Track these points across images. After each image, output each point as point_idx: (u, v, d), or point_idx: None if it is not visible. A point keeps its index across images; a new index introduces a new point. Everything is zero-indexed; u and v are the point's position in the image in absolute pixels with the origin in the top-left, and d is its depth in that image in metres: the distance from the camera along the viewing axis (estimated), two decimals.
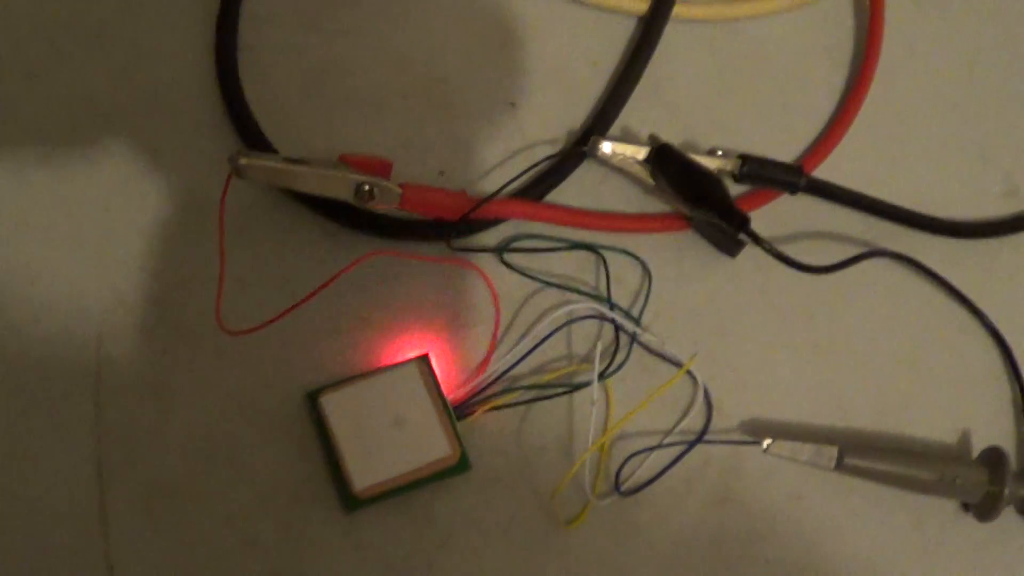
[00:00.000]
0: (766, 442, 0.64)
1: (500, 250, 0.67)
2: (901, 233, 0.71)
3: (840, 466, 0.64)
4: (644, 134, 0.70)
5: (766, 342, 0.68)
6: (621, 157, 0.67)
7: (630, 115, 0.70)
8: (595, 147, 0.67)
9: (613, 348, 0.66)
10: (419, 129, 0.69)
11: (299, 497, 0.62)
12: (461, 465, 0.62)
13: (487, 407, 0.64)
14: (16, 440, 0.62)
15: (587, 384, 0.64)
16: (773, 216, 0.69)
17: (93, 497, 0.62)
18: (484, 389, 0.64)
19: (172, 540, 0.62)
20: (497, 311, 0.66)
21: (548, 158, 0.68)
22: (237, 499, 0.62)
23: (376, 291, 0.65)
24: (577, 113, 0.70)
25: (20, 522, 0.61)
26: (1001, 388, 0.69)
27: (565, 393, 0.65)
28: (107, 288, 0.64)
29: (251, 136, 0.67)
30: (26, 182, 0.66)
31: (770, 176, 0.68)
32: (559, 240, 0.67)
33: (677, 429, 0.66)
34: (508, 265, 0.67)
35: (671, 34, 0.71)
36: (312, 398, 0.62)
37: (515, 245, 0.67)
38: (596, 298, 0.67)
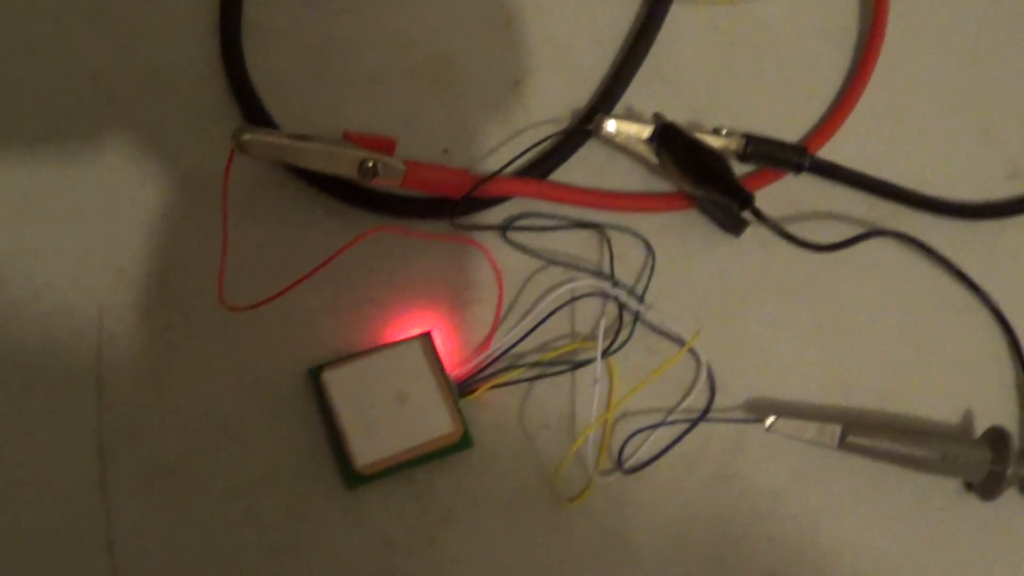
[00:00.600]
0: (769, 420, 0.64)
1: (504, 228, 0.67)
2: (904, 214, 0.71)
3: (843, 445, 0.64)
4: (648, 113, 0.70)
5: (769, 321, 0.68)
6: (625, 136, 0.67)
7: (634, 94, 0.70)
8: (599, 126, 0.67)
9: (616, 326, 0.66)
10: (423, 107, 0.69)
11: (301, 473, 0.63)
12: (463, 442, 0.62)
13: (490, 384, 0.64)
14: (18, 417, 0.62)
15: (590, 362, 0.64)
16: (777, 196, 0.69)
17: (94, 473, 0.62)
18: (487, 367, 0.64)
19: (173, 517, 0.62)
20: (500, 289, 0.66)
21: (552, 136, 0.68)
22: (239, 476, 0.62)
23: (379, 268, 0.66)
24: (581, 92, 0.71)
25: (22, 499, 0.61)
26: (1004, 368, 0.70)
27: (568, 371, 0.65)
28: (109, 265, 0.64)
29: (255, 114, 0.67)
30: (29, 160, 0.66)
31: (774, 156, 0.69)
32: (563, 219, 0.68)
33: (680, 407, 0.66)
34: (512, 243, 0.67)
35: (676, 14, 0.71)
36: (314, 375, 0.62)
37: (519, 223, 0.67)
38: (599, 276, 0.67)
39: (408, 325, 0.65)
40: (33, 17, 0.68)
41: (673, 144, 0.66)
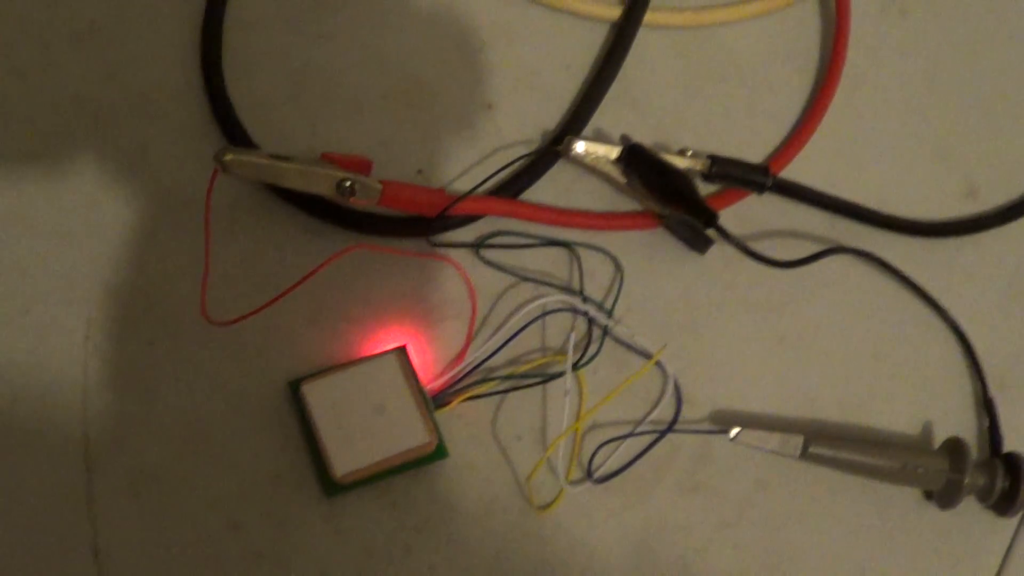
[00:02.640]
0: (734, 431, 0.66)
1: (477, 246, 0.69)
2: (865, 232, 0.72)
3: (805, 455, 0.65)
4: (617, 135, 0.72)
5: (734, 335, 0.70)
6: (594, 157, 0.69)
7: (603, 117, 0.72)
8: (569, 147, 0.69)
9: (586, 340, 0.67)
10: (398, 129, 0.70)
11: (281, 483, 0.64)
12: (438, 452, 0.64)
13: (464, 397, 0.65)
14: (5, 427, 0.63)
15: (560, 375, 0.66)
16: (741, 215, 0.71)
17: (81, 482, 0.63)
18: (461, 379, 0.66)
19: (157, 524, 0.63)
20: (474, 304, 0.67)
21: (523, 157, 0.70)
22: (221, 485, 0.64)
23: (356, 284, 0.67)
24: (552, 114, 0.72)
25: (8, 506, 0.62)
26: (962, 382, 0.71)
27: (539, 383, 0.66)
28: (95, 280, 0.66)
29: (236, 136, 0.68)
30: (16, 178, 0.67)
31: (738, 176, 0.70)
32: (534, 237, 0.69)
33: (648, 419, 0.67)
34: (485, 260, 0.68)
35: (643, 39, 0.73)
36: (294, 387, 0.64)
37: (491, 241, 0.69)
38: (569, 292, 0.68)
39: (385, 339, 0.66)
40: (20, 40, 0.70)
41: (640, 165, 0.68)
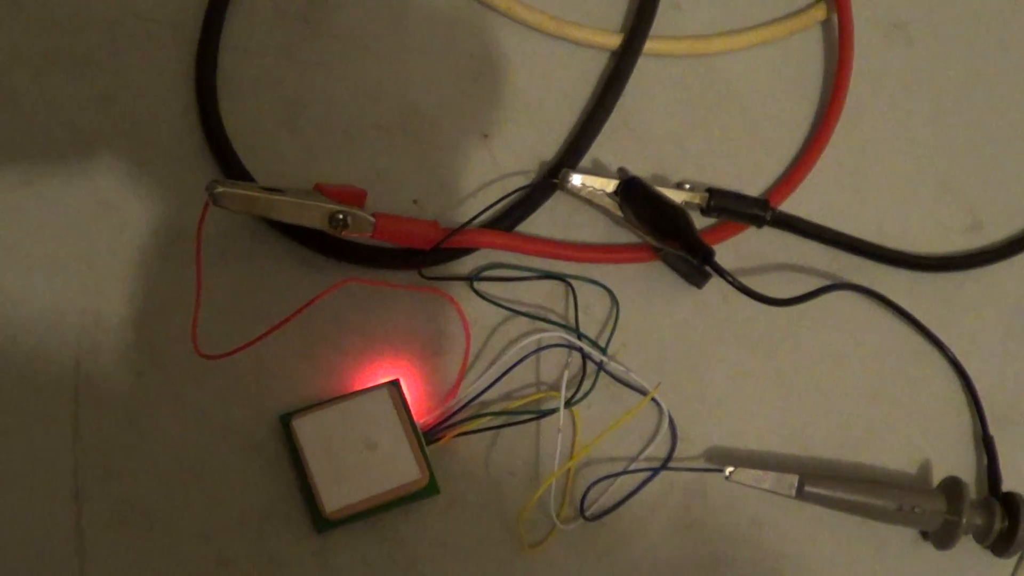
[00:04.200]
0: (728, 470, 0.65)
1: (471, 279, 0.68)
2: (866, 266, 0.72)
3: (801, 494, 0.65)
4: (615, 166, 0.71)
5: (731, 372, 0.69)
6: (590, 189, 0.68)
7: (601, 148, 0.72)
8: (565, 179, 0.68)
9: (580, 376, 0.67)
10: (394, 159, 0.70)
11: (271, 517, 0.64)
12: (430, 488, 0.63)
13: (456, 432, 0.65)
14: None
15: (554, 411, 0.66)
16: (740, 248, 0.71)
17: (70, 514, 0.63)
18: (454, 414, 0.65)
19: (146, 558, 0.63)
20: (468, 338, 0.67)
21: (520, 189, 0.70)
22: (211, 519, 0.63)
23: (349, 318, 0.67)
24: (549, 145, 0.72)
25: None
26: (962, 419, 0.71)
27: (533, 419, 0.66)
28: (86, 310, 0.65)
29: (230, 165, 0.68)
30: (9, 206, 0.67)
31: (737, 209, 0.70)
32: (529, 269, 0.69)
33: (642, 456, 0.67)
34: (479, 294, 0.68)
35: (643, 69, 0.73)
36: (285, 421, 0.63)
37: (486, 274, 0.68)
38: (565, 327, 0.68)
39: (377, 373, 0.66)
40: (13, 67, 0.69)
41: (636, 198, 0.68)
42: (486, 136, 0.71)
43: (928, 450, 0.70)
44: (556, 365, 0.67)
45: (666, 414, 0.67)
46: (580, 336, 0.67)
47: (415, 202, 0.69)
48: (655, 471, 0.66)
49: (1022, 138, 0.76)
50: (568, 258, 0.69)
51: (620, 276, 0.69)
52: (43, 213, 0.67)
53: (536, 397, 0.67)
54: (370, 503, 0.62)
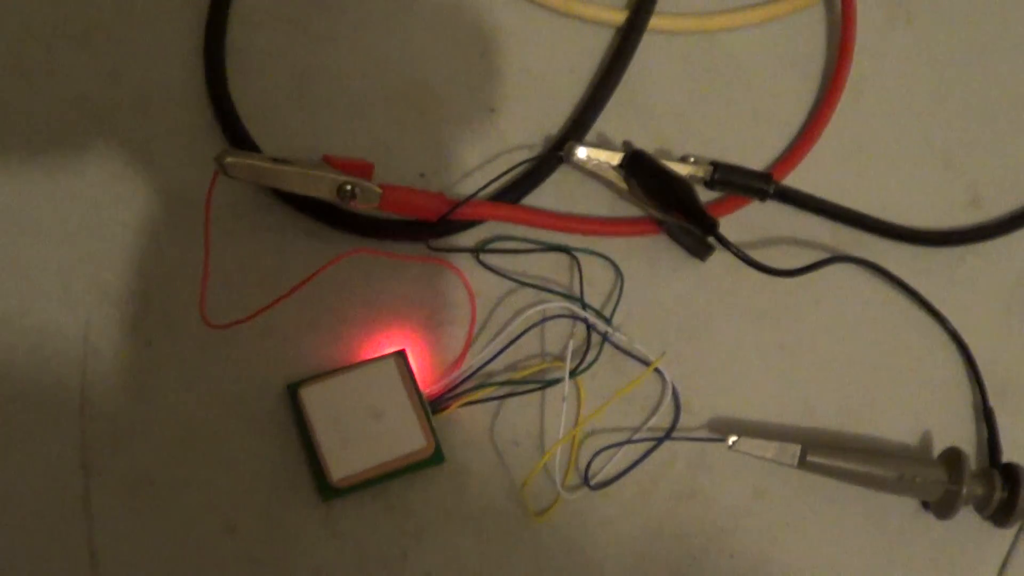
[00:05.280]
0: (731, 439, 0.66)
1: (477, 251, 0.69)
2: (867, 240, 0.72)
3: (803, 463, 0.66)
4: (619, 140, 0.72)
5: (734, 343, 0.70)
6: (596, 162, 0.69)
7: (606, 122, 0.72)
8: (571, 152, 0.69)
9: (585, 347, 0.67)
10: (401, 132, 0.70)
11: (278, 486, 0.64)
12: (436, 457, 0.64)
13: (462, 402, 0.65)
14: (3, 429, 0.63)
15: (559, 381, 0.66)
16: (744, 222, 0.71)
17: (78, 483, 0.63)
18: (459, 384, 0.66)
19: (154, 527, 0.63)
20: (473, 309, 0.68)
21: (525, 162, 0.70)
22: (218, 487, 0.64)
23: (356, 288, 0.67)
24: (555, 119, 0.72)
25: (5, 508, 0.63)
26: (962, 391, 0.71)
27: (537, 389, 0.67)
28: (95, 282, 0.66)
29: (237, 137, 0.68)
30: (18, 179, 0.67)
31: (740, 183, 0.70)
32: (535, 242, 0.69)
33: (646, 426, 0.67)
34: (485, 265, 0.68)
35: (647, 44, 0.73)
36: (292, 390, 0.64)
37: (492, 246, 0.69)
38: (569, 298, 0.68)
39: (383, 343, 0.66)
40: (24, 40, 0.69)
41: (641, 171, 0.68)
42: (492, 110, 0.71)
43: (929, 421, 0.70)
44: (561, 336, 0.68)
45: (669, 384, 0.68)
46: (585, 307, 0.68)
47: (422, 175, 0.70)
48: (659, 441, 0.67)
49: (1023, 114, 0.76)
50: (573, 230, 0.69)
51: (624, 249, 0.70)
52: (52, 185, 0.67)
53: (541, 367, 0.67)
54: (376, 471, 0.62)
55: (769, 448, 0.66)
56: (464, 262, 0.68)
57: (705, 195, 0.71)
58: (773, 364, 0.70)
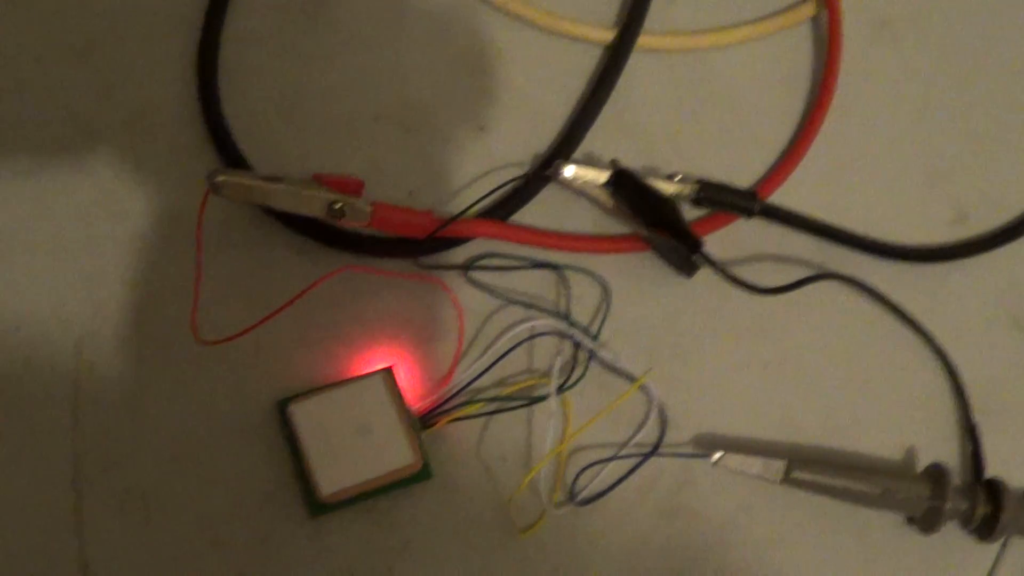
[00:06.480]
0: (716, 455, 0.66)
1: (466, 268, 0.69)
2: (853, 256, 0.73)
3: (787, 479, 0.66)
4: (607, 158, 0.72)
5: (719, 360, 0.70)
6: (583, 181, 0.69)
7: (594, 140, 0.72)
8: (558, 171, 0.69)
9: (571, 363, 0.68)
10: (391, 150, 0.71)
11: (267, 501, 0.65)
12: (423, 473, 0.64)
13: (449, 418, 0.66)
14: None
15: (546, 397, 0.66)
16: (729, 239, 0.71)
17: (70, 498, 0.64)
18: (447, 401, 0.66)
19: (144, 541, 0.64)
20: (461, 326, 0.68)
21: (514, 180, 0.71)
22: (208, 502, 0.64)
23: (345, 305, 0.68)
24: (544, 137, 0.73)
25: None
26: (946, 407, 0.71)
27: (525, 406, 0.67)
28: (87, 298, 0.67)
29: (229, 154, 0.69)
30: (10, 194, 0.68)
31: (726, 201, 0.71)
32: (523, 259, 0.70)
33: (632, 442, 0.68)
34: (473, 282, 0.69)
35: (635, 63, 0.74)
36: (281, 406, 0.64)
37: (480, 263, 0.69)
38: (557, 315, 0.69)
39: (372, 360, 0.67)
40: (17, 56, 0.70)
41: (627, 189, 0.69)
42: (481, 129, 0.72)
43: (913, 437, 0.70)
44: (548, 353, 0.68)
45: (655, 401, 0.68)
46: (572, 324, 0.68)
47: (411, 193, 0.70)
48: (645, 457, 0.67)
49: (1007, 131, 0.76)
50: (561, 248, 0.70)
51: (612, 266, 0.70)
52: (44, 201, 0.68)
53: (528, 383, 0.68)
54: (364, 487, 0.63)
55: (754, 464, 0.66)
56: (453, 279, 0.69)
57: (691, 213, 0.71)
58: (759, 380, 0.70)
